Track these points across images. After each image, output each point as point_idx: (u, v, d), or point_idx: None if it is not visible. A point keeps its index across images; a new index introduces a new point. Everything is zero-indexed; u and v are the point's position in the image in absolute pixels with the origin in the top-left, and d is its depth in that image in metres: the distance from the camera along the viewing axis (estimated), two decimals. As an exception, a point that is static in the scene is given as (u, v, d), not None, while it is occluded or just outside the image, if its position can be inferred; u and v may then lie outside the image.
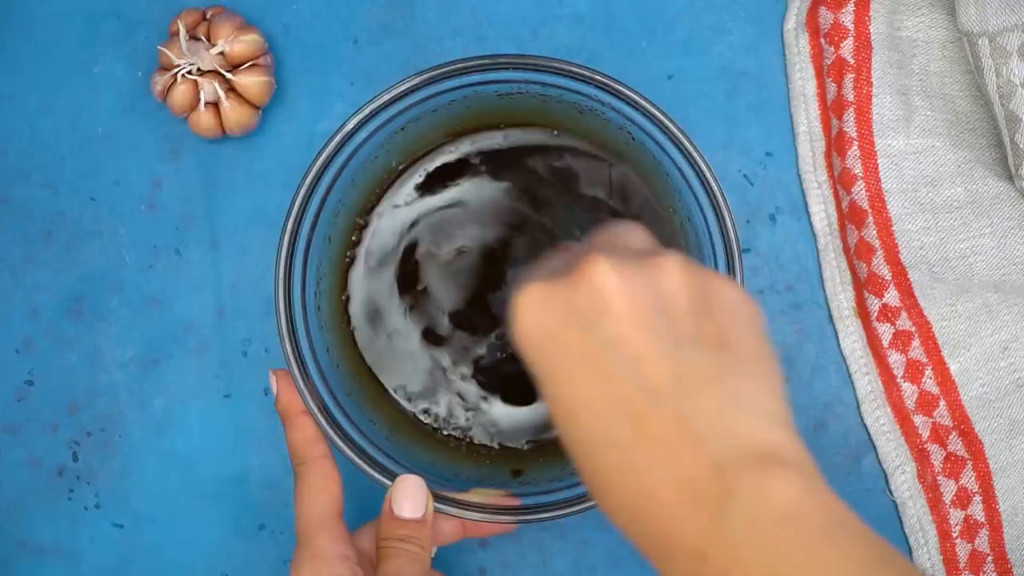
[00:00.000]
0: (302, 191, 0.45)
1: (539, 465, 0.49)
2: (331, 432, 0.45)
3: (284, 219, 0.45)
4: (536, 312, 0.34)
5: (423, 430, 0.50)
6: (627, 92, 0.45)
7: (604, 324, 0.33)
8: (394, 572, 0.42)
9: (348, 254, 0.50)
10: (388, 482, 0.45)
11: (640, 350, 0.33)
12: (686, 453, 0.32)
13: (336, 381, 0.47)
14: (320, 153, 0.45)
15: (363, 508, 0.52)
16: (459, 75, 0.45)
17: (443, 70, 0.45)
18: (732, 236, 0.45)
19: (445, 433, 0.50)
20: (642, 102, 0.45)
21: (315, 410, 0.45)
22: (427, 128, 0.49)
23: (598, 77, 0.45)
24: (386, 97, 0.45)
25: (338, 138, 0.45)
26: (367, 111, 0.45)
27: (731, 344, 0.34)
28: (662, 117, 0.45)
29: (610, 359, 0.33)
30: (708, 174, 0.45)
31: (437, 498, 0.45)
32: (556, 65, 0.45)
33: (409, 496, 0.44)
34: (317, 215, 0.46)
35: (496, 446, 0.50)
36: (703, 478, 0.31)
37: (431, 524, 0.44)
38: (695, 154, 0.45)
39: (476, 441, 0.50)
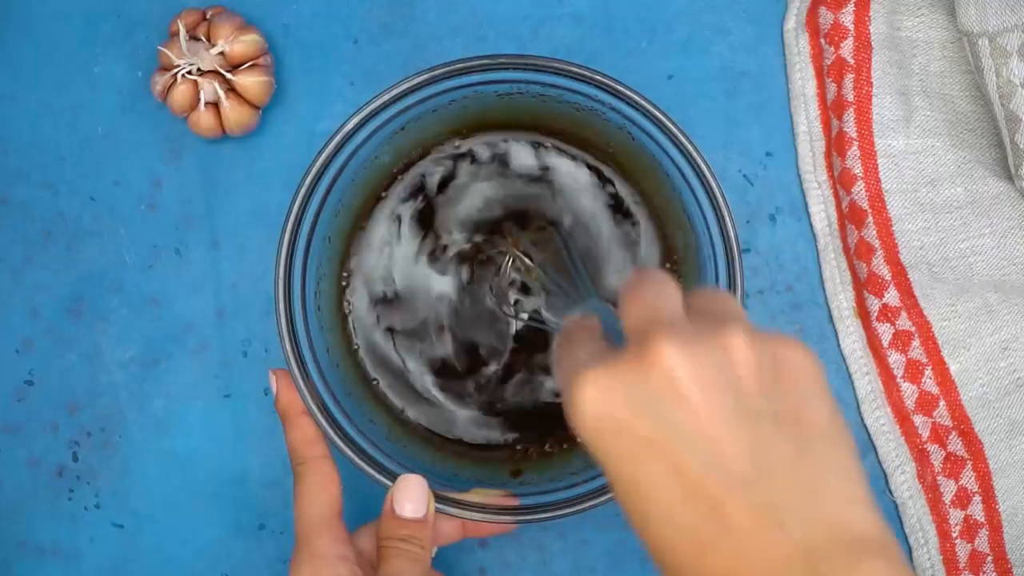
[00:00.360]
0: (302, 191, 0.45)
1: (539, 465, 0.49)
2: (331, 432, 0.45)
3: (284, 219, 0.45)
4: (601, 401, 0.33)
5: (422, 429, 0.50)
6: (627, 92, 0.45)
7: (677, 412, 0.32)
8: (395, 572, 0.42)
9: (344, 274, 0.50)
10: (388, 482, 0.45)
11: (716, 437, 0.31)
12: (771, 541, 0.31)
13: (336, 381, 0.47)
14: (320, 153, 0.45)
15: (363, 508, 0.52)
16: (459, 75, 0.45)
17: (443, 70, 0.45)
18: (732, 236, 0.45)
19: (450, 436, 0.50)
20: (642, 102, 0.45)
21: (315, 410, 0.45)
22: (427, 128, 0.49)
23: (598, 77, 0.45)
24: (386, 97, 0.45)
25: (338, 138, 0.45)
26: (367, 111, 0.45)
27: (805, 417, 0.33)
28: (662, 117, 0.45)
29: (684, 447, 0.32)
30: (708, 174, 0.45)
31: (437, 498, 0.45)
32: (556, 65, 0.45)
33: (411, 496, 0.44)
34: (317, 215, 0.46)
35: (495, 444, 0.50)
36: (790, 566, 0.30)
37: (432, 524, 0.44)
38: (695, 154, 0.45)
39: (475, 440, 0.50)
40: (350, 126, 0.45)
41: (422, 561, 0.43)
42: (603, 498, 0.45)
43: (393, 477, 0.45)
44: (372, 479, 0.45)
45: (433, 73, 0.45)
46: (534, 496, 0.46)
